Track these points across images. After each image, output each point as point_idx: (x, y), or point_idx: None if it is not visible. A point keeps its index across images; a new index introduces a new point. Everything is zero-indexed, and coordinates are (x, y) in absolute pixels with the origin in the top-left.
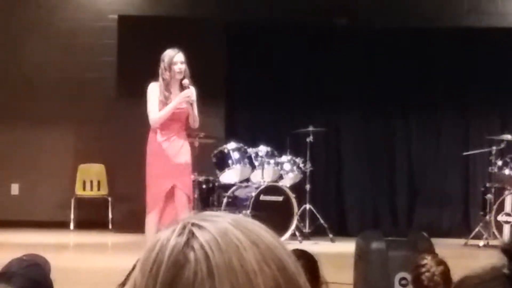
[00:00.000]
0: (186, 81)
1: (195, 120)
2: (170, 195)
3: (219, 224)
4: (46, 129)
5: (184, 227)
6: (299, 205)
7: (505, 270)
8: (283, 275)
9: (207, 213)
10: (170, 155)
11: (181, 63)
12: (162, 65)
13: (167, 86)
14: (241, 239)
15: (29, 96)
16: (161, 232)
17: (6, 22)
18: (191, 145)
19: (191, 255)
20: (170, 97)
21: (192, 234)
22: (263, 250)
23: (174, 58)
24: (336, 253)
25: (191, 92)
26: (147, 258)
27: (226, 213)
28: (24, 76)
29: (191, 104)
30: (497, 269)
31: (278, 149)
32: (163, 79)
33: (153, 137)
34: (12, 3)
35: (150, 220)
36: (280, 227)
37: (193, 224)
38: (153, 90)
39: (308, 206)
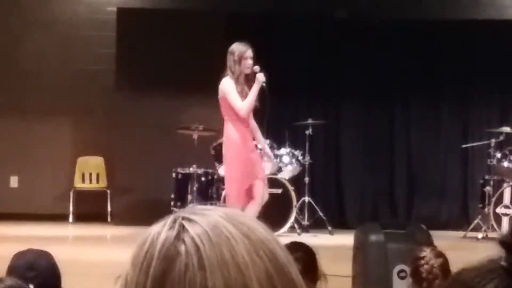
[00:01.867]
0: (257, 67)
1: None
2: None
3: (210, 217)
4: (45, 122)
5: (174, 221)
6: (298, 198)
7: (503, 263)
8: (275, 267)
9: (198, 207)
10: (251, 147)
11: (251, 58)
12: (231, 59)
13: (237, 79)
14: (232, 232)
15: (28, 89)
16: (151, 227)
17: (4, 15)
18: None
19: (182, 248)
20: (244, 88)
21: (182, 228)
22: (254, 242)
23: (246, 53)
24: (335, 245)
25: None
26: (138, 253)
27: (217, 206)
28: (22, 69)
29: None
30: (494, 261)
31: (277, 141)
32: (233, 73)
33: (237, 128)
34: None
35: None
36: (279, 219)
37: (183, 218)
38: (230, 84)
39: (307, 198)
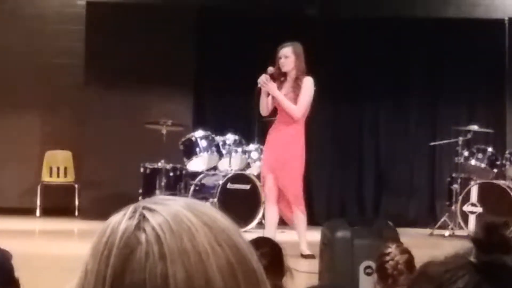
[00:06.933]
0: (270, 68)
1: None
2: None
3: (170, 207)
4: (13, 115)
5: (135, 211)
6: None
7: (472, 259)
8: (236, 255)
9: (159, 197)
10: (272, 146)
11: (285, 57)
12: None
13: (274, 79)
14: (193, 221)
15: None
16: (111, 217)
17: None
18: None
19: (143, 237)
20: (285, 87)
21: (143, 217)
22: (215, 231)
23: (279, 53)
24: None
25: (263, 78)
26: (99, 242)
27: (178, 197)
28: None
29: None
30: (462, 257)
31: (246, 137)
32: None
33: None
34: None
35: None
36: (247, 215)
37: (144, 208)
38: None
39: None
